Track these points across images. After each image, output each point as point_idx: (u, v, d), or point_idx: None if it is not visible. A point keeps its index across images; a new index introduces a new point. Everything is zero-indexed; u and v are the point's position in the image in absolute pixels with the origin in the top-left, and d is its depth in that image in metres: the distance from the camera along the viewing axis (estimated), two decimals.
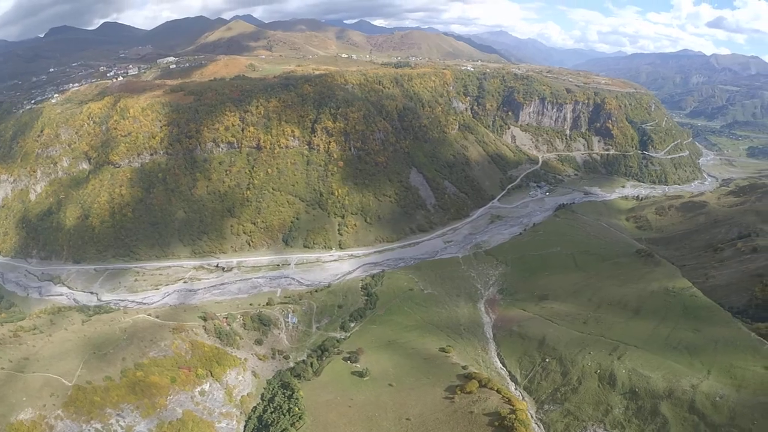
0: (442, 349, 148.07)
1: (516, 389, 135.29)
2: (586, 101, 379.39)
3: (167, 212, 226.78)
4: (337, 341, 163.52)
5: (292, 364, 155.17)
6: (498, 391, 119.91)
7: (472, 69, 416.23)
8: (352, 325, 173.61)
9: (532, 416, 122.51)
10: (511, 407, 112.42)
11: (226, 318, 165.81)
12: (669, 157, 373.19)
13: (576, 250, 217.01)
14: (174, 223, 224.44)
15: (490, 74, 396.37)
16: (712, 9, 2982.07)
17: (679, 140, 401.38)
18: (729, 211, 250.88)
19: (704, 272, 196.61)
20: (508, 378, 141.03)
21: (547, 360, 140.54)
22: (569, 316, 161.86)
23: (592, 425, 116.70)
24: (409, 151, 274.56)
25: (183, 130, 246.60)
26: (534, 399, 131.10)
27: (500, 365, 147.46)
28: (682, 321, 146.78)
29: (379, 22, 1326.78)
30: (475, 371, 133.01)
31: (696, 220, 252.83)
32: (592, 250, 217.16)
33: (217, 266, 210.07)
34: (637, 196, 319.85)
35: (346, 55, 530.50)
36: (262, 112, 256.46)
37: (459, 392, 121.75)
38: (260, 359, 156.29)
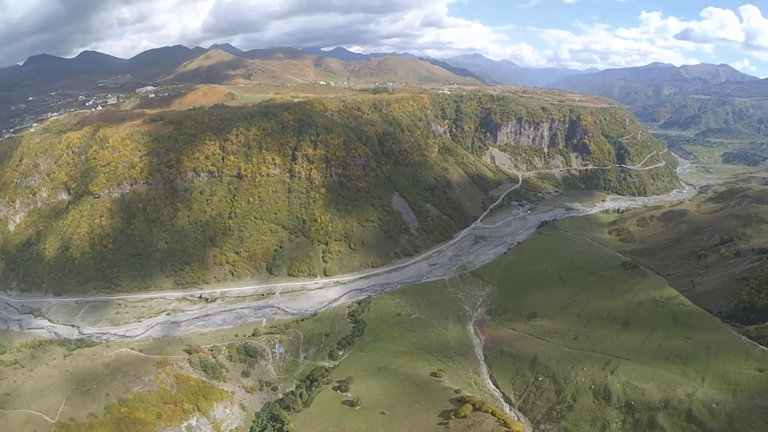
0: (434, 374, 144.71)
1: (511, 410, 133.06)
2: (562, 119, 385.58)
3: (148, 243, 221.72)
4: (326, 370, 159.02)
5: (280, 396, 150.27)
6: (493, 414, 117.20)
7: (449, 92, 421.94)
8: (341, 353, 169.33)
9: None
10: (507, 429, 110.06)
11: (212, 350, 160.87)
12: (646, 168, 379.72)
13: (561, 266, 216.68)
14: (155, 254, 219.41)
15: (466, 97, 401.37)
16: (679, 21, 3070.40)
17: (655, 151, 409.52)
18: (710, 218, 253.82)
19: (690, 280, 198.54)
20: (502, 399, 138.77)
21: (540, 378, 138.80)
22: (559, 332, 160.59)
23: None
24: (390, 176, 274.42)
25: (163, 160, 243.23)
26: (530, 419, 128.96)
27: (493, 387, 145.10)
28: (672, 330, 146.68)
29: (355, 49, 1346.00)
30: (469, 394, 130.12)
31: (678, 228, 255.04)
32: (578, 265, 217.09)
33: (200, 297, 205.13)
34: (618, 209, 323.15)
35: (324, 82, 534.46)
36: (242, 140, 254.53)
37: (453, 417, 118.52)
38: (248, 391, 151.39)
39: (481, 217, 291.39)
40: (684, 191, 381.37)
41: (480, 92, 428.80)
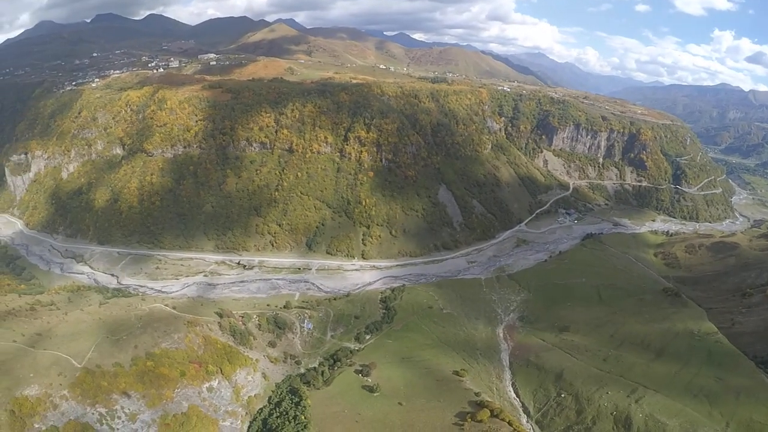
0: (456, 373, 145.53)
1: (528, 422, 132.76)
2: (621, 130, 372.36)
3: (195, 204, 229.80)
4: (351, 352, 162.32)
5: (302, 370, 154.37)
6: (510, 423, 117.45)
7: (509, 89, 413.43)
8: (368, 337, 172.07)
9: None
10: None
11: (242, 317, 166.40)
12: (702, 193, 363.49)
13: (601, 283, 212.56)
14: (200, 216, 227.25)
15: (526, 96, 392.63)
16: (752, 44, 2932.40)
17: (712, 176, 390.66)
18: (761, 255, 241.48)
19: (731, 317, 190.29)
20: (520, 409, 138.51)
21: (562, 395, 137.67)
22: (589, 351, 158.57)
23: None
24: (439, 167, 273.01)
25: (218, 126, 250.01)
26: None
27: (514, 395, 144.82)
28: (705, 367, 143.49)
29: (418, 36, 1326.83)
30: (488, 399, 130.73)
31: (726, 261, 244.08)
32: (618, 284, 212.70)
33: (238, 263, 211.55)
34: (667, 232, 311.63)
35: (384, 66, 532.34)
36: (297, 115, 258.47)
37: (469, 420, 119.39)
38: (272, 362, 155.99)
39: (527, 220, 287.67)
40: (737, 222, 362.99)
41: (540, 93, 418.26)
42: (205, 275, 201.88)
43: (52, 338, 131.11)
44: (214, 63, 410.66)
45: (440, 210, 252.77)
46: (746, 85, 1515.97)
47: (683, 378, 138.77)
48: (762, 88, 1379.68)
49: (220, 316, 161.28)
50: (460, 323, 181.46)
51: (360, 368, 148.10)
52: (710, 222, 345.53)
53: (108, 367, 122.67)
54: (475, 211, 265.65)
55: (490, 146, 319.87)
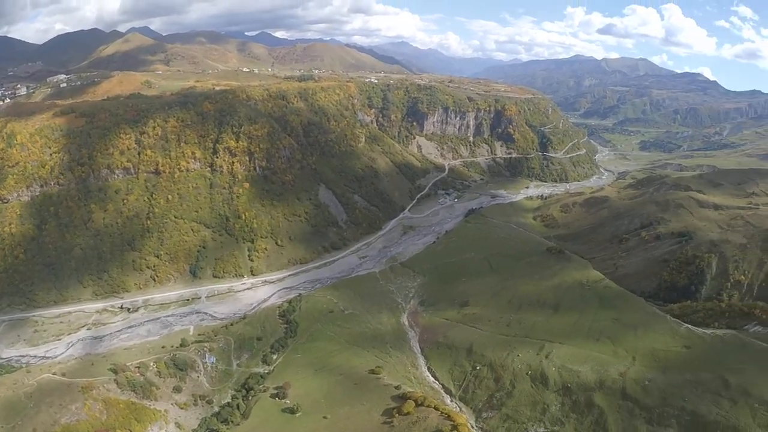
0: (372, 371, 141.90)
1: (452, 401, 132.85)
2: (488, 108, 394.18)
3: (62, 250, 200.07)
4: (261, 377, 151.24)
5: (216, 409, 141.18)
6: (436, 408, 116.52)
7: (376, 81, 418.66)
8: (275, 357, 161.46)
9: (472, 426, 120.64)
10: (452, 423, 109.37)
11: (138, 367, 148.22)
12: (568, 156, 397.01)
13: (490, 253, 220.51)
14: (71, 262, 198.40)
15: (393, 86, 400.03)
16: (603, 17, 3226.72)
17: (576, 140, 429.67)
18: (630, 204, 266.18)
19: (613, 263, 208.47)
20: (442, 391, 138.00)
21: (477, 368, 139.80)
22: (492, 320, 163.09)
23: (533, 425, 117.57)
24: (316, 167, 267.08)
25: (75, 157, 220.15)
26: (471, 408, 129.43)
27: (432, 379, 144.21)
28: (600, 312, 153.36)
29: (280, 34, 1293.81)
30: (410, 390, 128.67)
31: (600, 214, 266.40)
32: (506, 252, 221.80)
33: (121, 307, 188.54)
34: (542, 195, 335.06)
35: (248, 69, 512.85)
36: (159, 133, 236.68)
37: (397, 415, 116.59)
38: (182, 408, 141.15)
39: (409, 207, 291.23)
40: (603, 177, 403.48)
41: (407, 81, 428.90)
42: (88, 328, 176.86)
43: None
44: (65, 85, 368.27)
45: (323, 211, 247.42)
46: (599, 55, 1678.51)
47: (583, 326, 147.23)
48: (613, 55, 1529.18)
49: (115, 372, 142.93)
50: (365, 321, 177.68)
51: (275, 391, 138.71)
52: (579, 181, 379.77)
53: None
54: (358, 206, 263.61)
55: (364, 139, 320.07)
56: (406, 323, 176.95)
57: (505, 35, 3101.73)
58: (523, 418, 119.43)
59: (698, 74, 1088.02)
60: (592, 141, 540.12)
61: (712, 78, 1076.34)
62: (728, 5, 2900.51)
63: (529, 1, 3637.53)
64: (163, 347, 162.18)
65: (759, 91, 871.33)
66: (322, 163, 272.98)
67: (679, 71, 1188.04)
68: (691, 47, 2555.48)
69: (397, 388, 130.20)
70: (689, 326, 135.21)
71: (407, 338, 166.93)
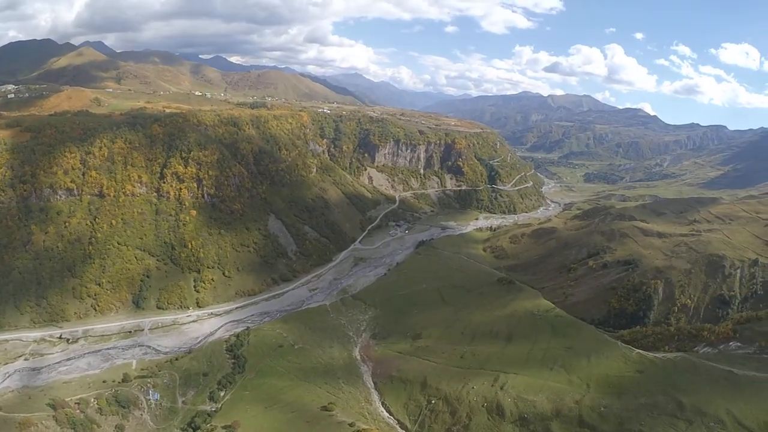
0: (325, 408, 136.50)
1: None
2: (438, 142, 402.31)
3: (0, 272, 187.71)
4: (208, 415, 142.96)
5: None
6: None
7: (329, 111, 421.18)
8: (222, 393, 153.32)
9: None
10: None
11: (78, 404, 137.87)
12: (515, 188, 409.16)
13: (441, 285, 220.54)
14: (8, 286, 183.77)
15: (346, 117, 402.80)
16: (549, 56, 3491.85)
17: (523, 173, 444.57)
18: (577, 234, 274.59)
19: (563, 292, 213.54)
20: (398, 427, 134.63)
21: (433, 401, 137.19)
22: (446, 352, 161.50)
23: None
24: (266, 197, 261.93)
25: (17, 174, 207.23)
26: None
27: (387, 414, 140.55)
28: (553, 341, 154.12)
29: (235, 59, 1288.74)
30: (364, 426, 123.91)
31: (548, 244, 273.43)
32: (457, 283, 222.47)
33: (60, 337, 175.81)
34: (491, 227, 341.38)
35: (200, 93, 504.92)
36: (105, 153, 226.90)
37: None
38: None
39: (360, 238, 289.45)
40: (550, 208, 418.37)
41: (359, 113, 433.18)
42: (25, 359, 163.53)
43: None
44: (13, 96, 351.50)
45: (273, 241, 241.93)
46: (545, 91, 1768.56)
47: (537, 355, 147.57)
48: (559, 92, 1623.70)
49: (54, 407, 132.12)
50: (316, 355, 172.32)
51: (224, 431, 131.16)
52: (527, 212, 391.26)
53: None
54: (308, 236, 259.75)
55: (315, 169, 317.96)
56: (359, 357, 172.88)
57: (455, 71, 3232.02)
58: None
59: (639, 109, 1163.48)
60: (538, 174, 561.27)
61: (652, 113, 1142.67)
62: (668, 45, 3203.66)
63: (479, 39, 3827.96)
64: (104, 382, 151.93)
65: (697, 124, 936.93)
66: (272, 193, 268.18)
67: (621, 107, 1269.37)
68: (632, 84, 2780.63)
69: (351, 425, 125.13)
70: (640, 351, 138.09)
71: (360, 372, 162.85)
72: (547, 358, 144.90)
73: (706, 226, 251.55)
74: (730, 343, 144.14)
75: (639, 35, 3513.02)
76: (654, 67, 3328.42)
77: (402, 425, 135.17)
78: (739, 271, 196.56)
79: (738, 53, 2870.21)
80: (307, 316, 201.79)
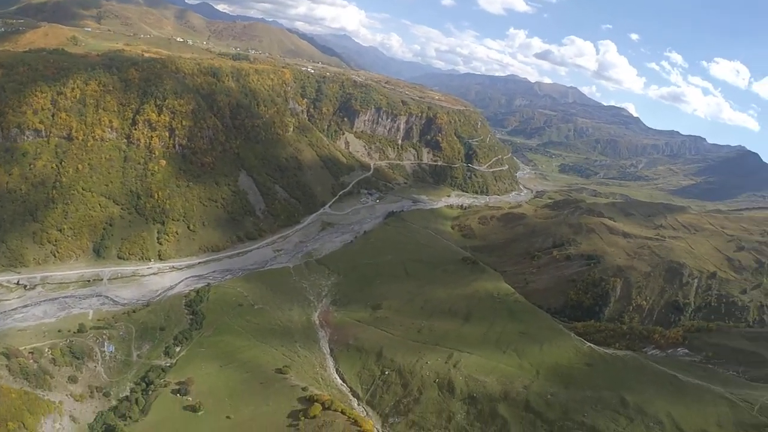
0: (280, 370, 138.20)
1: (359, 405, 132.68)
2: (420, 114, 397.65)
3: None
4: (163, 370, 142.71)
5: (114, 403, 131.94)
6: (343, 412, 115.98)
7: (313, 71, 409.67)
8: (178, 349, 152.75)
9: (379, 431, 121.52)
10: (359, 428, 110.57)
11: (32, 353, 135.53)
12: (491, 170, 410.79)
13: (406, 258, 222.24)
14: None
15: (329, 78, 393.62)
16: (542, 43, 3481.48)
17: (500, 155, 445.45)
18: (545, 223, 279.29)
19: (524, 278, 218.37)
20: (350, 395, 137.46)
21: (386, 372, 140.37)
22: (403, 325, 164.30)
23: None
24: (239, 152, 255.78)
25: None
26: (378, 413, 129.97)
27: (341, 381, 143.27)
28: (509, 325, 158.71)
29: (222, 7, 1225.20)
30: (317, 392, 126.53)
31: (516, 230, 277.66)
32: (422, 258, 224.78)
33: (18, 283, 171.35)
34: (462, 205, 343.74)
35: (182, 40, 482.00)
36: (77, 95, 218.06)
37: (303, 418, 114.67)
38: (77, 400, 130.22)
39: (330, 202, 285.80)
40: (522, 194, 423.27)
41: (343, 75, 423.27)
42: None
43: None
44: None
45: (241, 198, 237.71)
46: (533, 78, 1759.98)
47: (491, 337, 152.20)
48: (546, 80, 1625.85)
49: (7, 356, 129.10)
50: (275, 317, 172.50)
51: (177, 387, 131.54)
52: (499, 195, 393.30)
53: None
54: (278, 196, 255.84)
55: (292, 128, 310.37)
56: (317, 322, 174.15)
57: (446, 45, 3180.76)
58: (429, 425, 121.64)
59: (623, 109, 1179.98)
60: (515, 158, 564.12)
61: (635, 114, 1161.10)
62: (662, 50, 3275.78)
63: (475, 16, 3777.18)
64: (59, 331, 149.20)
65: (677, 131, 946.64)
66: (246, 149, 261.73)
67: (605, 104, 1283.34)
68: (620, 83, 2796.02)
69: (304, 389, 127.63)
70: (592, 345, 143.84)
71: (317, 338, 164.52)
72: (501, 341, 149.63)
73: (671, 232, 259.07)
74: (679, 349, 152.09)
75: (635, 36, 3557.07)
76: (644, 70, 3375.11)
77: (354, 393, 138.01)
78: (696, 280, 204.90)
79: (729, 70, 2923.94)
80: (269, 276, 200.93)
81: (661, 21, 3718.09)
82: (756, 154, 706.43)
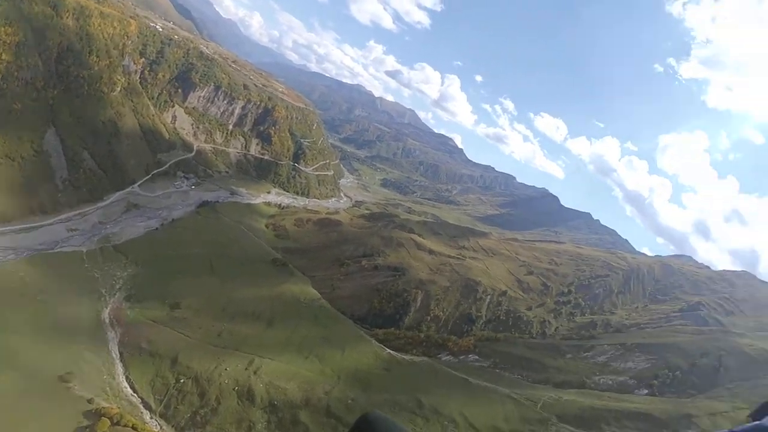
0: (62, 378, 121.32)
1: (152, 419, 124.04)
2: (259, 102, 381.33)
3: None
4: None
5: None
6: (134, 428, 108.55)
7: (161, 29, 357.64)
8: None
9: None
10: None
11: None
12: (316, 173, 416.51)
13: (214, 253, 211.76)
14: None
15: (175, 42, 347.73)
16: (395, 62, 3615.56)
17: (328, 160, 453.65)
18: (359, 232, 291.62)
19: (332, 283, 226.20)
20: (141, 406, 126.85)
21: (182, 380, 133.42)
22: (203, 327, 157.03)
23: None
24: (54, 104, 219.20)
25: None
26: (173, 427, 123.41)
27: (131, 391, 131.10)
28: (313, 330, 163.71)
29: None
30: (105, 404, 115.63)
31: (330, 236, 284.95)
32: (231, 254, 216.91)
33: None
34: (280, 204, 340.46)
35: None
36: None
37: None
38: None
39: (141, 181, 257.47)
40: (341, 201, 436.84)
41: (192, 43, 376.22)
42: None
43: None
44: None
45: (43, 160, 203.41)
46: (377, 92, 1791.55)
47: (294, 342, 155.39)
48: (389, 97, 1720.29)
49: None
50: (60, 312, 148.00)
51: None
52: (319, 199, 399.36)
53: None
54: (84, 164, 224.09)
55: (120, 88, 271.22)
56: (107, 320, 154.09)
57: (305, 39, 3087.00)
58: None
59: (450, 139, 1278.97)
60: (342, 165, 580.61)
61: (460, 146, 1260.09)
62: (498, 95, 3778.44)
63: (342, 19, 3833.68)
64: None
65: (493, 167, 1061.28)
66: (62, 101, 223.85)
67: (436, 131, 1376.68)
68: (454, 115, 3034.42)
69: (90, 401, 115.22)
70: (391, 351, 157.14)
71: (106, 339, 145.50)
72: (304, 346, 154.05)
73: (472, 254, 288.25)
74: (470, 356, 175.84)
75: (479, 77, 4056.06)
76: (478, 109, 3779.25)
77: (146, 404, 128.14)
78: (489, 297, 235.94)
79: (550, 124, 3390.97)
80: (57, 261, 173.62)
81: (505, 71, 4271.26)
82: (556, 197, 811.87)
